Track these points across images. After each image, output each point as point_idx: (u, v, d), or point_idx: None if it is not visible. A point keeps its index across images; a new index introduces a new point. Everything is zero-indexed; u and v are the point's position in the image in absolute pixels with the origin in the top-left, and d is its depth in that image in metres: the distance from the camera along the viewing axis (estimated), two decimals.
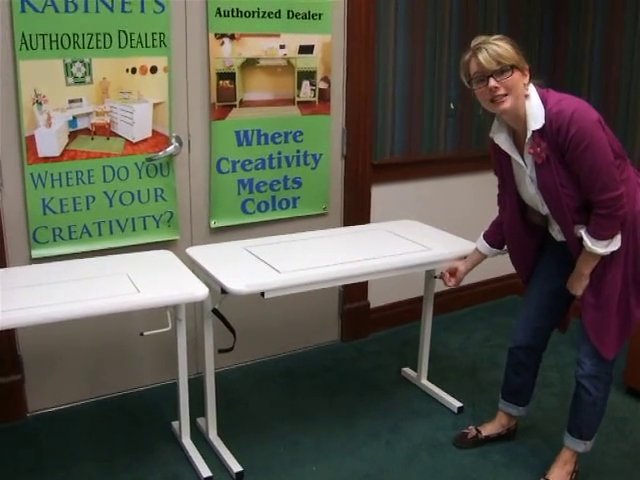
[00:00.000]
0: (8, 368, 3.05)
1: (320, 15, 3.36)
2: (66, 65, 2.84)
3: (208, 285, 2.56)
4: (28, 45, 2.74)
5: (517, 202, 2.61)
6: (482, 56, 2.32)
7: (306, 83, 3.43)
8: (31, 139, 2.85)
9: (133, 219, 3.16)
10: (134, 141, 3.07)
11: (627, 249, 2.41)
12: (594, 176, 2.28)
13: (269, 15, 3.23)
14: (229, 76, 3.22)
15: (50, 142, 2.89)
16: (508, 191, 2.62)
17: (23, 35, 2.72)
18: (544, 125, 2.32)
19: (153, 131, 3.10)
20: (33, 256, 2.96)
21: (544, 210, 2.51)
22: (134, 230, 3.17)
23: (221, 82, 3.21)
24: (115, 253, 2.96)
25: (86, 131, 2.96)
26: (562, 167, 2.33)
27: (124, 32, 2.92)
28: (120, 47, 2.92)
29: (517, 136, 2.47)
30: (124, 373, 3.35)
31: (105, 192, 3.06)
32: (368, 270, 2.80)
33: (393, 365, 3.70)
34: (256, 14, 3.20)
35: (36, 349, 3.09)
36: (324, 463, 2.88)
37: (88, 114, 2.95)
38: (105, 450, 2.92)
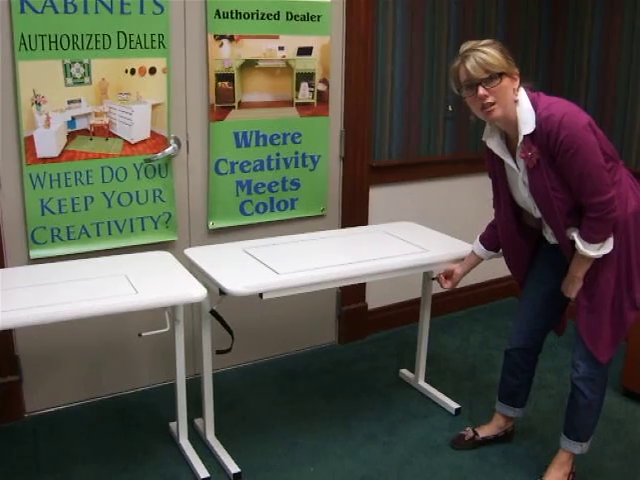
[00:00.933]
0: (6, 369, 3.05)
1: (319, 17, 3.37)
2: (65, 66, 2.84)
3: (206, 286, 2.57)
4: (27, 46, 2.74)
5: (511, 205, 2.61)
6: (470, 64, 2.31)
7: (304, 85, 3.43)
8: (30, 140, 2.85)
9: (131, 220, 3.16)
10: (133, 142, 3.08)
11: (620, 251, 2.42)
12: (584, 180, 2.29)
13: (268, 17, 3.24)
14: (228, 77, 3.23)
15: (49, 143, 2.89)
16: (501, 194, 2.62)
17: (22, 36, 2.72)
18: (535, 129, 2.32)
19: (152, 132, 3.11)
20: (31, 256, 2.96)
21: (537, 213, 2.52)
22: (132, 231, 3.17)
23: (220, 83, 3.21)
24: (113, 254, 2.97)
25: (85, 132, 2.96)
26: (553, 171, 2.34)
27: (123, 33, 2.92)
28: (119, 48, 2.93)
29: (509, 140, 2.48)
30: (122, 374, 3.35)
31: (104, 193, 3.07)
32: (366, 272, 2.80)
33: (391, 367, 3.71)
34: (255, 16, 3.20)
35: (34, 350, 3.09)
36: (322, 464, 2.88)
37: (87, 115, 2.95)
38: (103, 451, 2.92)
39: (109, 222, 3.11)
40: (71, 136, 2.94)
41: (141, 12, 2.93)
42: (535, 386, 2.97)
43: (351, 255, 2.90)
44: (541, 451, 2.96)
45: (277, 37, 3.29)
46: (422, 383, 3.46)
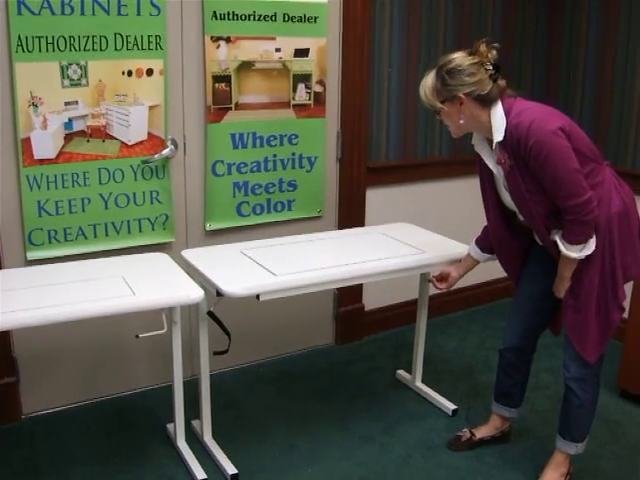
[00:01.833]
0: (3, 370, 3.05)
1: (316, 18, 3.37)
2: (62, 67, 2.84)
3: (203, 287, 2.57)
4: (24, 47, 2.74)
5: (499, 207, 2.64)
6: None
7: (301, 86, 3.44)
8: (27, 141, 2.85)
9: (128, 221, 3.16)
10: (130, 143, 3.08)
11: (603, 251, 2.43)
12: (557, 184, 2.31)
13: (265, 18, 3.24)
14: (225, 79, 3.23)
15: (46, 144, 2.89)
16: (489, 197, 2.65)
17: (19, 37, 2.72)
18: (505, 136, 2.36)
19: (149, 134, 3.11)
20: (28, 258, 2.96)
21: (521, 216, 2.56)
22: (129, 232, 3.17)
23: (217, 85, 3.22)
24: (110, 255, 2.96)
25: (82, 133, 2.96)
26: (528, 175, 2.37)
27: (120, 35, 2.92)
28: (116, 49, 2.93)
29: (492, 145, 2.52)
30: (119, 375, 3.35)
31: (101, 194, 3.07)
32: (363, 273, 2.81)
33: (388, 368, 3.71)
34: (252, 17, 3.20)
35: (31, 351, 3.09)
36: (319, 466, 2.88)
37: (84, 116, 2.95)
38: (100, 452, 2.92)
39: (106, 224, 3.11)
40: (68, 138, 2.94)
41: (138, 13, 2.94)
42: (531, 387, 2.97)
43: (348, 256, 2.90)
44: (538, 452, 2.96)
45: (274, 38, 3.29)
46: (419, 384, 3.47)
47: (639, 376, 3.28)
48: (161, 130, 3.13)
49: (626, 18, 3.80)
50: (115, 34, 2.91)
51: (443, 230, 3.37)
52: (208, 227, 3.38)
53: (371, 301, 4.05)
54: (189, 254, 2.87)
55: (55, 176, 2.94)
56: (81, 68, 2.88)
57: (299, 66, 3.40)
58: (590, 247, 2.39)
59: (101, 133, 3.01)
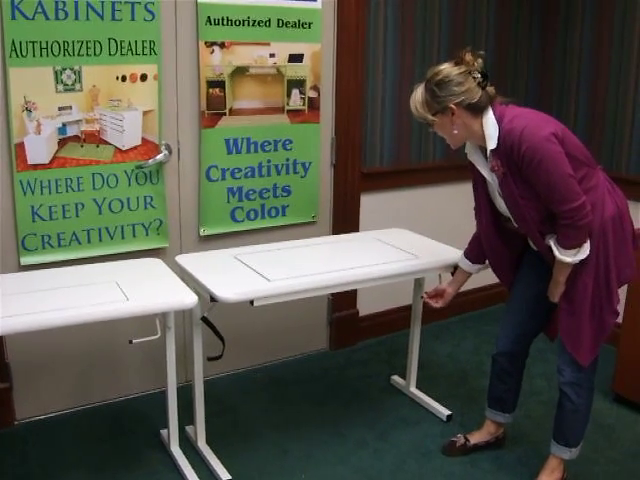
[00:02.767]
0: None
1: (310, 24, 3.37)
2: (56, 72, 2.84)
3: (197, 293, 2.57)
4: (18, 52, 2.73)
5: (492, 214, 2.65)
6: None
7: (296, 92, 3.44)
8: (20, 146, 2.84)
9: (122, 227, 3.15)
10: (124, 149, 3.07)
11: (597, 255, 2.44)
12: (551, 189, 2.32)
13: (259, 24, 3.24)
14: (219, 84, 3.23)
15: (39, 149, 2.89)
16: (482, 204, 2.66)
17: (13, 42, 2.72)
18: (498, 143, 2.37)
19: (143, 139, 3.11)
20: (22, 263, 2.96)
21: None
22: (123, 238, 3.17)
23: (211, 90, 3.22)
24: (104, 261, 2.95)
25: (76, 138, 2.96)
26: (521, 181, 2.38)
27: (114, 40, 2.92)
28: (110, 55, 2.93)
29: (486, 153, 2.53)
30: (113, 381, 3.34)
31: (94, 199, 3.06)
32: (357, 278, 2.80)
33: (382, 373, 3.71)
34: (246, 23, 3.21)
35: (25, 357, 3.08)
36: (313, 471, 2.87)
37: (78, 121, 2.94)
38: (93, 458, 2.91)
39: (100, 229, 3.10)
40: (62, 143, 2.93)
41: (132, 19, 2.94)
42: (526, 392, 2.97)
43: (342, 262, 2.90)
44: (532, 457, 2.96)
45: (268, 44, 3.30)
46: (413, 389, 3.47)
47: (633, 381, 3.28)
48: (155, 135, 3.13)
49: (620, 20, 3.81)
50: (109, 39, 2.91)
51: (437, 235, 3.37)
52: (202, 232, 3.38)
53: (365, 306, 4.05)
54: (183, 259, 2.87)
55: (49, 181, 2.94)
56: (75, 73, 2.88)
57: (293, 71, 3.40)
58: (584, 252, 2.40)
59: (95, 138, 3.00)
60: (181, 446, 2.92)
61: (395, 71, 3.78)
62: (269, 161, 3.46)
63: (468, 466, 2.93)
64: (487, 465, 2.93)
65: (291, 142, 3.49)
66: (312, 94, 3.49)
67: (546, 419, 3.18)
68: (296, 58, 3.39)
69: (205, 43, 3.14)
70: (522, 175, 2.35)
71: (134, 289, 2.50)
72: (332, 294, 3.76)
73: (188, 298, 2.48)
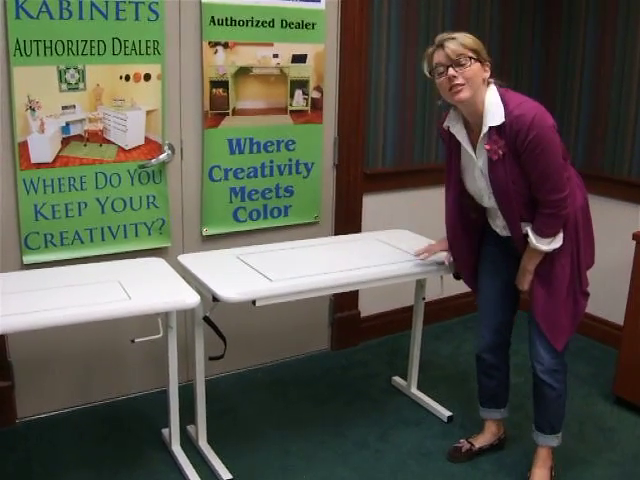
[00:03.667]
0: None
1: (313, 25, 3.38)
2: (60, 71, 2.84)
3: (199, 293, 2.57)
4: (22, 51, 2.74)
5: (459, 193, 2.68)
6: (447, 46, 2.38)
7: (299, 92, 3.44)
8: (24, 145, 2.85)
9: (125, 226, 3.16)
10: (127, 148, 3.08)
11: (571, 240, 2.52)
12: (545, 177, 2.38)
13: (263, 24, 3.25)
14: (222, 84, 3.23)
15: (43, 148, 2.89)
16: (453, 181, 2.68)
17: (17, 41, 2.72)
18: (504, 125, 2.37)
19: (146, 138, 3.11)
20: (24, 262, 2.96)
21: (489, 203, 2.58)
22: (126, 237, 3.17)
23: (214, 90, 3.22)
24: (106, 260, 2.96)
25: (79, 137, 2.96)
26: (516, 165, 2.40)
27: (118, 39, 2.92)
28: (114, 54, 2.93)
29: (470, 128, 2.53)
30: (114, 380, 3.34)
31: (97, 199, 3.07)
32: (359, 279, 2.81)
33: (383, 374, 3.71)
34: (250, 23, 3.21)
35: (26, 355, 3.08)
36: (314, 472, 2.88)
37: (81, 121, 2.95)
38: (94, 457, 2.91)
39: (102, 228, 3.11)
40: (65, 142, 2.94)
41: (136, 18, 2.94)
42: (525, 393, 2.97)
43: (344, 263, 2.90)
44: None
45: (271, 44, 3.30)
46: (414, 390, 3.47)
47: (634, 383, 3.28)
48: (158, 135, 3.13)
49: (623, 21, 3.80)
50: (113, 39, 2.91)
51: (439, 236, 3.35)
52: (204, 232, 3.38)
53: (367, 307, 4.05)
54: (185, 259, 2.87)
55: (52, 180, 2.94)
56: (79, 72, 2.88)
57: (296, 72, 3.40)
58: (558, 241, 2.48)
59: (98, 137, 3.01)
60: (182, 446, 2.92)
61: (398, 72, 3.78)
62: (272, 161, 3.47)
63: (469, 467, 2.93)
64: (488, 466, 2.94)
65: (294, 142, 3.50)
66: (315, 95, 3.49)
67: None
68: (299, 59, 3.39)
69: (209, 43, 3.15)
70: (520, 160, 2.38)
71: (136, 288, 2.50)
72: (334, 294, 3.77)
73: (190, 298, 2.49)
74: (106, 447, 2.99)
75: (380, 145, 3.84)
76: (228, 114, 3.28)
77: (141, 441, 3.04)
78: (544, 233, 2.45)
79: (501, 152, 2.40)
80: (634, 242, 3.18)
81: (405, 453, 3.02)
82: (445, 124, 2.60)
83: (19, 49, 2.73)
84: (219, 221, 3.40)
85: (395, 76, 3.78)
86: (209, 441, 2.96)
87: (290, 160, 3.52)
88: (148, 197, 3.18)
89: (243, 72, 3.27)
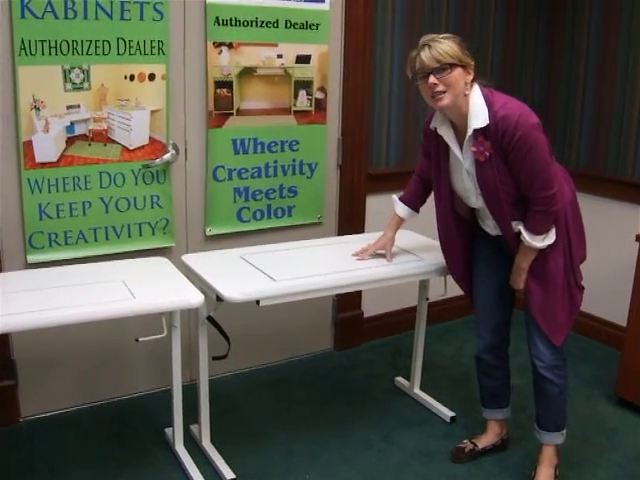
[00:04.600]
0: (2, 373, 3.05)
1: (317, 25, 3.38)
2: (65, 71, 2.85)
3: (203, 292, 2.57)
4: (27, 51, 2.75)
5: (450, 193, 2.67)
6: (424, 54, 2.37)
7: (303, 93, 3.45)
8: (29, 144, 2.86)
9: (129, 225, 3.16)
10: (131, 148, 3.08)
11: (562, 235, 2.53)
12: (534, 176, 2.39)
13: (267, 25, 3.25)
14: (226, 84, 3.24)
15: (47, 148, 2.90)
16: (443, 183, 2.67)
17: (22, 41, 2.73)
18: (489, 126, 2.37)
19: (150, 138, 3.12)
20: (29, 261, 2.97)
21: (477, 204, 2.59)
22: (130, 236, 3.18)
23: (218, 90, 3.23)
24: (111, 259, 2.96)
25: (83, 137, 2.97)
26: (503, 165, 2.41)
27: (123, 39, 2.93)
28: (119, 54, 2.94)
29: (457, 130, 2.53)
30: (118, 379, 3.35)
31: (101, 198, 3.07)
32: (362, 279, 2.81)
33: (386, 374, 3.71)
34: (254, 23, 3.22)
35: (30, 354, 3.09)
36: (317, 471, 2.88)
37: (86, 120, 2.96)
38: (98, 456, 2.92)
39: (107, 227, 3.12)
40: (70, 141, 2.94)
41: (141, 18, 2.95)
42: (528, 395, 2.96)
43: (347, 263, 2.90)
44: (536, 458, 2.96)
45: (276, 45, 3.31)
46: (417, 391, 3.47)
47: (637, 385, 3.28)
48: (162, 135, 3.14)
49: (627, 23, 3.80)
50: (118, 39, 2.92)
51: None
52: (208, 232, 3.39)
53: (370, 307, 4.06)
54: (189, 259, 2.88)
55: (56, 179, 2.95)
56: (83, 72, 2.89)
57: (301, 72, 3.41)
58: (551, 237, 2.49)
59: (103, 137, 3.01)
60: (186, 445, 2.92)
61: (402, 72, 3.78)
62: (276, 162, 3.47)
63: (472, 467, 2.93)
64: (490, 467, 2.94)
65: (298, 143, 3.50)
66: (319, 95, 3.50)
67: None
68: (303, 59, 3.39)
69: (213, 43, 3.15)
70: (507, 160, 2.39)
71: (140, 288, 2.51)
72: (337, 295, 3.77)
73: (194, 297, 2.49)
74: (109, 446, 3.00)
75: (384, 146, 3.84)
76: (232, 114, 3.29)
77: (144, 440, 3.04)
78: (537, 230, 2.47)
79: (487, 153, 2.41)
80: (637, 243, 3.18)
81: (408, 453, 3.02)
82: (432, 125, 2.60)
83: (24, 49, 2.74)
84: (223, 221, 3.41)
85: (399, 77, 3.78)
86: (212, 440, 2.96)
87: (294, 160, 3.52)
88: (152, 197, 3.18)
89: (247, 72, 3.27)
